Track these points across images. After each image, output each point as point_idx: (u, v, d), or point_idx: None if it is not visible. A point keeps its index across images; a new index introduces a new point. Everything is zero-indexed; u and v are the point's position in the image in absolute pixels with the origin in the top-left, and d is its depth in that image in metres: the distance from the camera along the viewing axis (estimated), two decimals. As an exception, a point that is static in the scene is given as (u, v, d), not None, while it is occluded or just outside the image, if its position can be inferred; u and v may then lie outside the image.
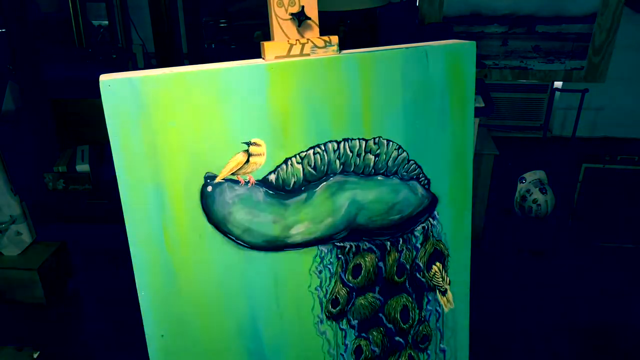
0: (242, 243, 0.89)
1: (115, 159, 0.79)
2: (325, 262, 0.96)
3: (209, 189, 0.85)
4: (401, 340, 1.07)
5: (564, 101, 3.38)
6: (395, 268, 1.02)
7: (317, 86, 0.87)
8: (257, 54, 0.87)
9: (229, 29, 3.32)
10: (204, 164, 0.84)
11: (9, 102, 3.18)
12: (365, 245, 0.99)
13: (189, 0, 3.03)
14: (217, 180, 0.85)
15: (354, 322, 1.02)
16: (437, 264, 1.05)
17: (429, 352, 1.09)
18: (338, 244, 0.97)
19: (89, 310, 2.12)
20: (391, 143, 0.94)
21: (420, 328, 1.08)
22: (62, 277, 2.16)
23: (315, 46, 0.87)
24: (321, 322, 0.99)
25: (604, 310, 1.99)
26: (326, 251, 0.96)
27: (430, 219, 1.01)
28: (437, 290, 1.06)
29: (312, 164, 0.90)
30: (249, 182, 0.87)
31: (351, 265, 0.99)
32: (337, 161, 0.92)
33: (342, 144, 0.91)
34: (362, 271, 1.00)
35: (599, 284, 2.13)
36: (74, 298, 2.17)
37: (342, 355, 1.03)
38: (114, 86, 0.76)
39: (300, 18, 0.85)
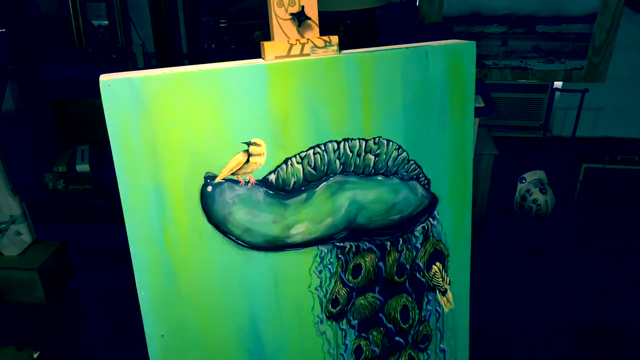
0: (242, 243, 0.89)
1: (115, 159, 0.79)
2: (325, 262, 0.96)
3: (209, 189, 0.85)
4: (401, 340, 1.07)
5: (564, 101, 3.37)
6: (395, 268, 1.02)
7: (317, 86, 0.87)
8: (257, 54, 0.87)
9: (229, 29, 3.32)
10: (204, 164, 0.84)
11: (9, 102, 3.18)
12: (365, 245, 0.99)
13: (189, 0, 3.03)
14: (217, 180, 0.85)
15: (354, 322, 1.02)
16: (437, 264, 1.05)
17: (429, 352, 1.09)
18: (338, 244, 0.97)
19: (89, 310, 2.12)
20: (391, 143, 0.94)
21: (420, 328, 1.08)
22: (62, 277, 2.16)
23: (315, 46, 0.87)
24: (321, 322, 0.99)
25: (604, 310, 1.99)
26: (326, 251, 0.96)
27: (430, 219, 1.01)
28: (437, 290, 1.06)
29: (312, 164, 0.90)
30: (249, 182, 0.87)
31: (351, 265, 0.99)
32: (337, 161, 0.92)
33: (342, 144, 0.91)
34: (362, 271, 1.00)
35: (599, 284, 2.13)
36: (74, 298, 2.17)
37: (342, 355, 1.03)
38: (114, 86, 0.77)
39: (300, 18, 0.85)
